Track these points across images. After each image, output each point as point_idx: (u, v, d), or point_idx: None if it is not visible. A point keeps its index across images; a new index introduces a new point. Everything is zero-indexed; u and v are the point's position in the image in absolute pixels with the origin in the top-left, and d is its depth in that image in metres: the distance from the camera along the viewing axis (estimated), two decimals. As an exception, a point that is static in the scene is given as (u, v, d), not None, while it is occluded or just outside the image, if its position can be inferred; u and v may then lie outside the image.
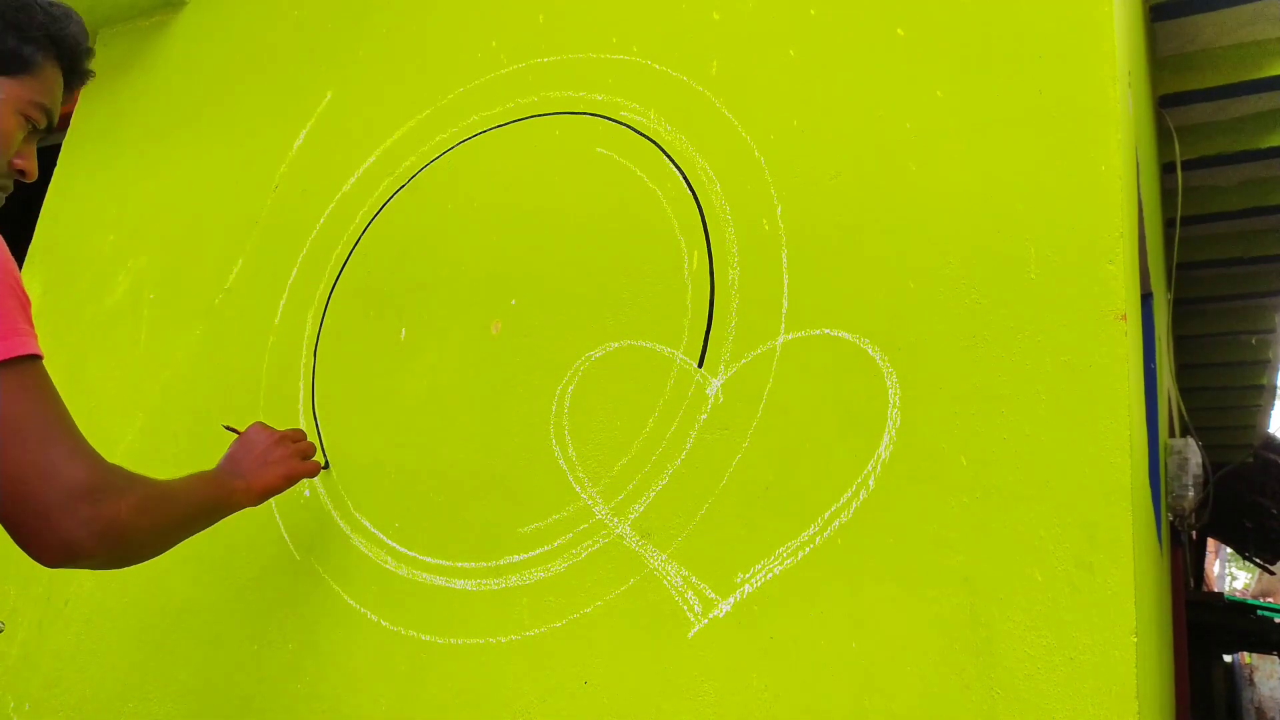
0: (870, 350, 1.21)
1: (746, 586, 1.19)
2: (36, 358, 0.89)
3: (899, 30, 1.31)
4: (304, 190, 1.81)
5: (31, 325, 0.91)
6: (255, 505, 1.26)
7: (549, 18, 1.63)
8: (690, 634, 1.20)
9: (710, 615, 1.20)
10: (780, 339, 1.27)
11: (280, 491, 1.31)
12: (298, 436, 1.36)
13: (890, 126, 1.27)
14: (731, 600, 1.20)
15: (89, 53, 1.10)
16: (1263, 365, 4.68)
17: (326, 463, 1.54)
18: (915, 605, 1.10)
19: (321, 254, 1.74)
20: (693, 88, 1.44)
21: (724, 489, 1.24)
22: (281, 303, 1.74)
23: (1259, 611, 6.10)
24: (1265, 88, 2.78)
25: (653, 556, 1.26)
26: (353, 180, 1.75)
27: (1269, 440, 5.84)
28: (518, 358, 1.45)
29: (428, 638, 1.38)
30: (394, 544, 1.46)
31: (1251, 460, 5.74)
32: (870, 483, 1.16)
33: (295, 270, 1.75)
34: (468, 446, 1.45)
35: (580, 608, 1.28)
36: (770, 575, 1.18)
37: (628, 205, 1.44)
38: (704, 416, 1.29)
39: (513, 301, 1.49)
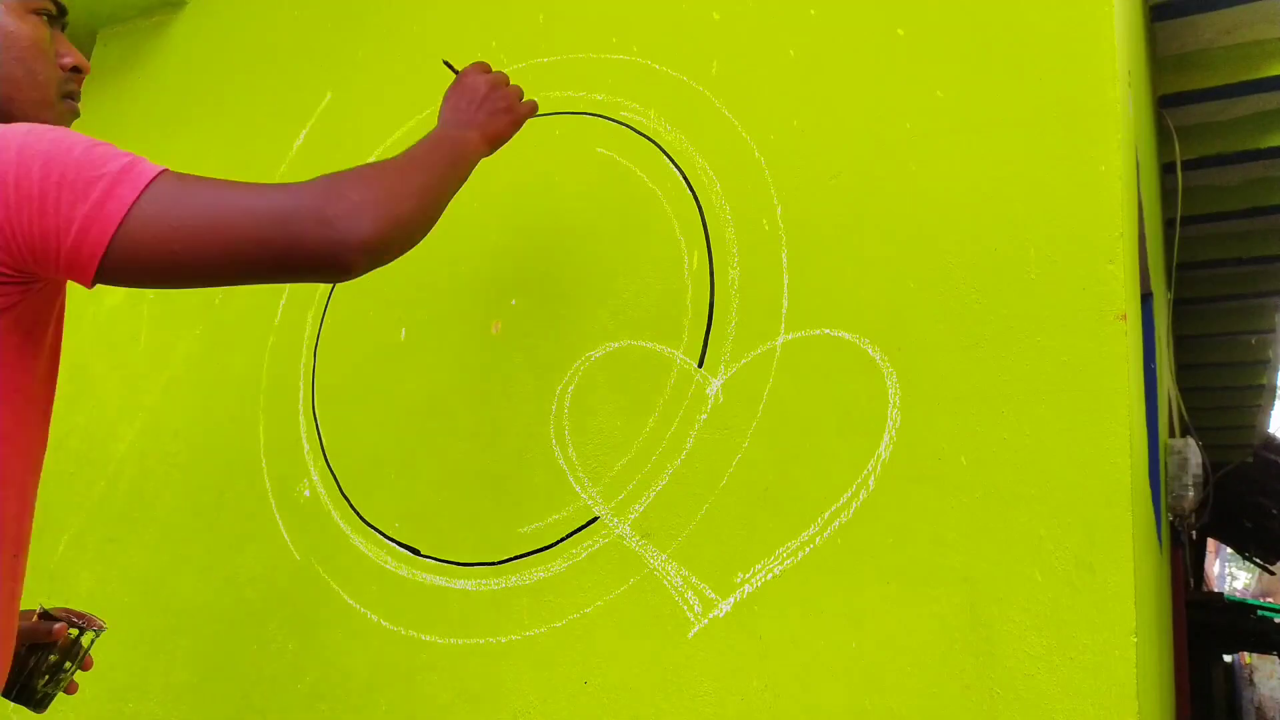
0: (870, 350, 1.21)
1: (746, 587, 1.19)
2: (165, 170, 0.88)
3: (899, 30, 1.31)
4: (304, 190, 1.81)
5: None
6: (488, 155, 1.20)
7: (549, 18, 1.63)
8: (690, 634, 1.20)
9: (710, 615, 1.20)
10: (780, 339, 1.27)
11: (509, 138, 1.23)
12: (507, 79, 1.26)
13: (890, 126, 1.27)
14: (731, 600, 1.20)
15: None
16: (1263, 365, 4.68)
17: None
18: (915, 605, 1.10)
19: (321, 254, 1.73)
20: (693, 88, 1.44)
21: (724, 489, 1.24)
22: (281, 303, 1.74)
23: (1259, 611, 6.10)
24: (1265, 88, 2.78)
25: (653, 556, 1.26)
26: (353, 180, 1.75)
27: (1269, 440, 5.84)
28: (518, 358, 1.45)
29: (428, 638, 1.38)
30: (394, 544, 1.46)
31: (1251, 460, 5.74)
32: (870, 483, 1.16)
33: (295, 270, 1.75)
34: (468, 446, 1.45)
35: (580, 608, 1.28)
36: (770, 575, 1.18)
37: (628, 205, 1.44)
38: (704, 416, 1.29)
39: (513, 301, 1.49)
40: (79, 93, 1.04)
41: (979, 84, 1.23)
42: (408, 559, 1.44)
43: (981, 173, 1.20)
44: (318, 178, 0.92)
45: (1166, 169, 3.04)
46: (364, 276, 1.73)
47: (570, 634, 1.28)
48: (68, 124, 1.00)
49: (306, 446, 1.61)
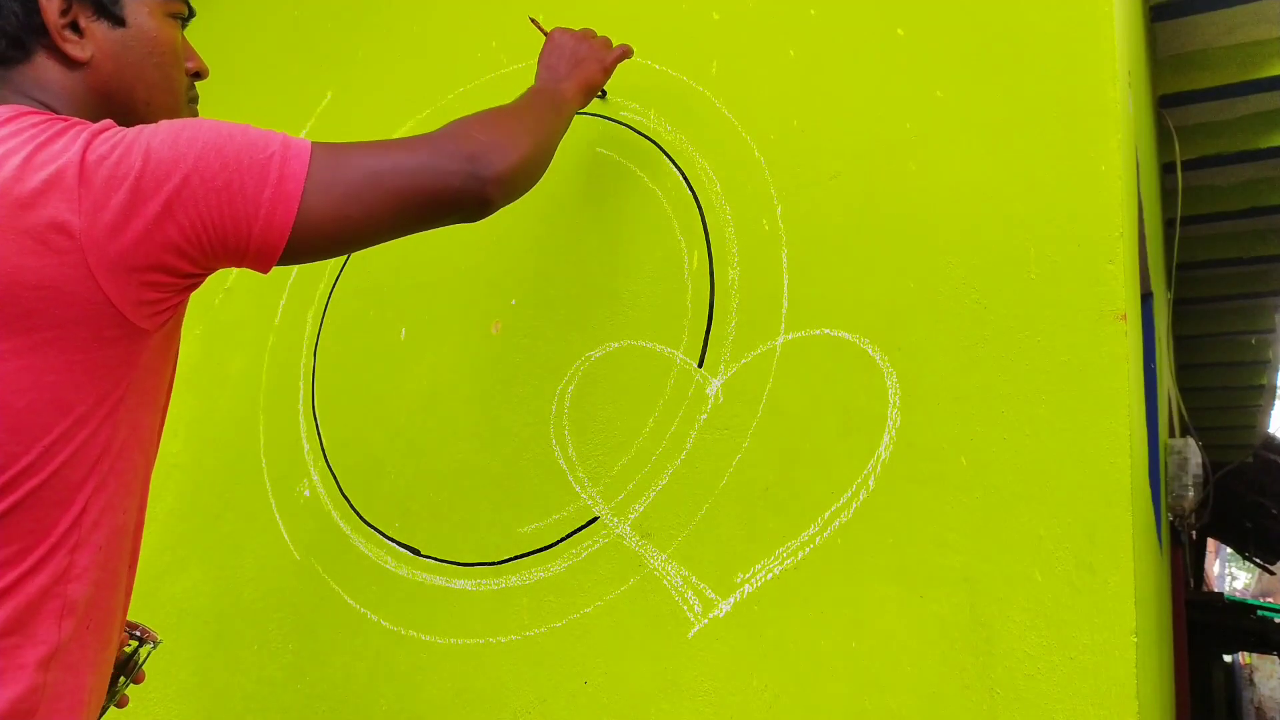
0: (870, 350, 1.21)
1: (746, 586, 1.19)
2: (314, 143, 0.89)
3: (899, 30, 1.31)
4: (304, 190, 1.81)
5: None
6: (584, 105, 1.27)
7: (549, 18, 1.63)
8: (690, 634, 1.21)
9: (710, 615, 1.20)
10: (780, 339, 1.27)
11: (601, 85, 1.31)
12: (593, 33, 1.35)
13: (890, 126, 1.27)
14: (731, 600, 1.20)
15: None
16: (1263, 365, 4.68)
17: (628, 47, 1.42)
18: (915, 605, 1.10)
19: (321, 254, 1.73)
20: (693, 88, 1.44)
21: (724, 489, 1.24)
22: (281, 303, 1.74)
23: (1259, 611, 6.11)
24: (1265, 88, 2.78)
25: (653, 556, 1.26)
26: (353, 180, 1.75)
27: (1269, 440, 5.84)
28: (518, 358, 1.45)
29: (428, 638, 1.38)
30: (394, 544, 1.46)
31: (1251, 460, 5.74)
32: (870, 483, 1.16)
33: (295, 270, 1.75)
34: (468, 446, 1.45)
35: (580, 608, 1.28)
36: (770, 575, 1.18)
37: (628, 205, 1.44)
38: (704, 416, 1.29)
39: (513, 301, 1.49)
40: (198, 97, 1.05)
41: (979, 84, 1.23)
42: (408, 559, 1.44)
43: (981, 173, 1.20)
44: (442, 127, 0.98)
45: (1166, 169, 3.05)
46: (364, 276, 1.74)
47: (570, 634, 1.28)
48: None
49: (306, 446, 1.61)
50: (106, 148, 0.79)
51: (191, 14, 1.03)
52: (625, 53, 1.36)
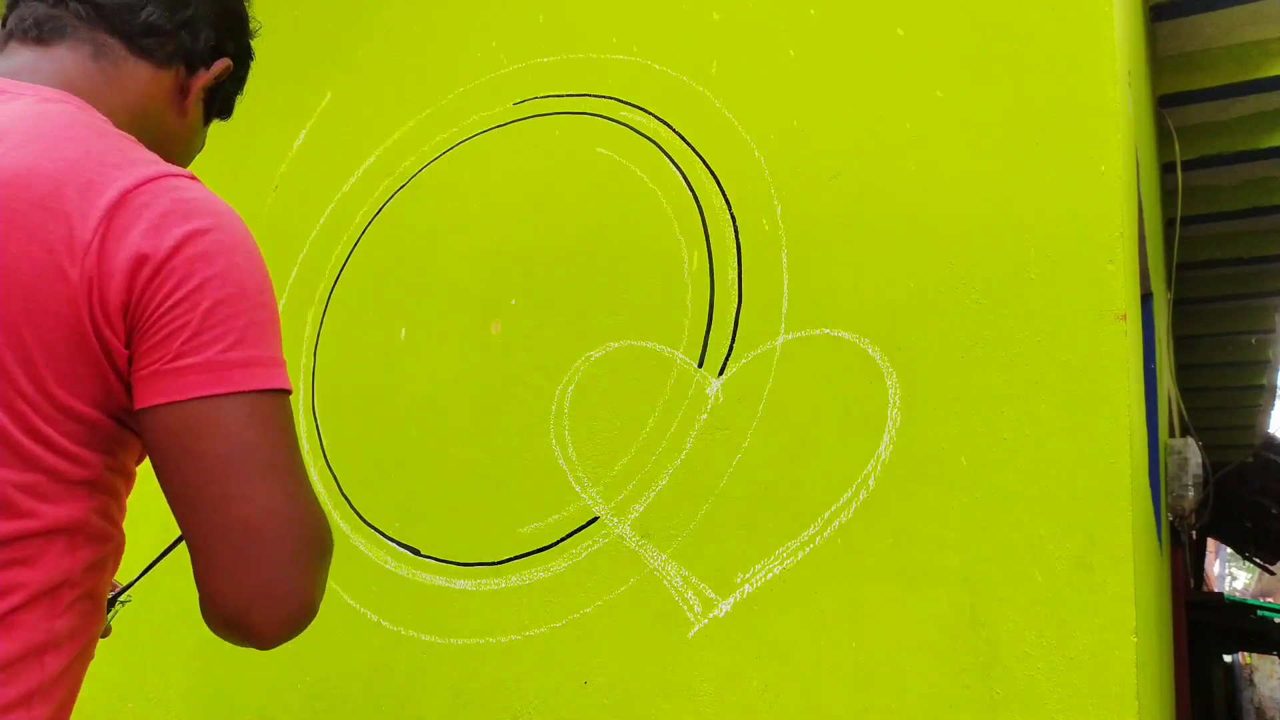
0: (870, 350, 1.21)
1: (746, 586, 1.19)
2: (288, 392, 0.79)
3: (899, 30, 1.31)
4: (304, 190, 1.81)
5: (281, 350, 0.81)
6: None
7: (549, 18, 1.63)
8: (690, 634, 1.20)
9: (710, 615, 1.20)
10: (780, 339, 1.27)
11: None
12: None
13: (890, 126, 1.27)
14: (731, 600, 1.20)
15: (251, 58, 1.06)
16: (1263, 365, 4.68)
17: None
18: (915, 605, 1.10)
19: (321, 254, 1.74)
20: (693, 88, 1.44)
21: (724, 489, 1.24)
22: (281, 303, 1.74)
23: (1259, 611, 6.11)
24: (1265, 88, 2.78)
25: (653, 556, 1.26)
26: (353, 180, 1.75)
27: (1269, 440, 5.84)
28: (518, 358, 1.45)
29: (428, 638, 1.38)
30: (394, 544, 1.46)
31: (1251, 460, 5.74)
32: (870, 483, 1.16)
33: (295, 270, 1.75)
34: (468, 446, 1.45)
35: (580, 608, 1.28)
36: (770, 575, 1.18)
37: (628, 205, 1.44)
38: (704, 416, 1.29)
39: (513, 301, 1.49)
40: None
41: (979, 84, 1.23)
42: (408, 559, 1.44)
43: (981, 173, 1.20)
44: (324, 536, 0.77)
45: (1166, 169, 3.04)
46: (364, 276, 1.73)
47: (570, 634, 1.28)
48: None
49: (306, 446, 1.61)
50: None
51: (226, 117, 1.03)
52: None
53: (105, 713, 1.62)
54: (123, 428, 0.75)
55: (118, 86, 0.87)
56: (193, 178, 0.79)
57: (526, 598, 1.32)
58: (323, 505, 0.83)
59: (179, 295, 0.72)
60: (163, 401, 0.71)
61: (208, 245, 0.74)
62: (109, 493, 0.77)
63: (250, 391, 0.73)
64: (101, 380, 0.72)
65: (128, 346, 0.72)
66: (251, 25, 1.00)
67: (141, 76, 0.88)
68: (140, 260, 0.70)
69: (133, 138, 0.80)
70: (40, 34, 0.85)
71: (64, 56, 0.84)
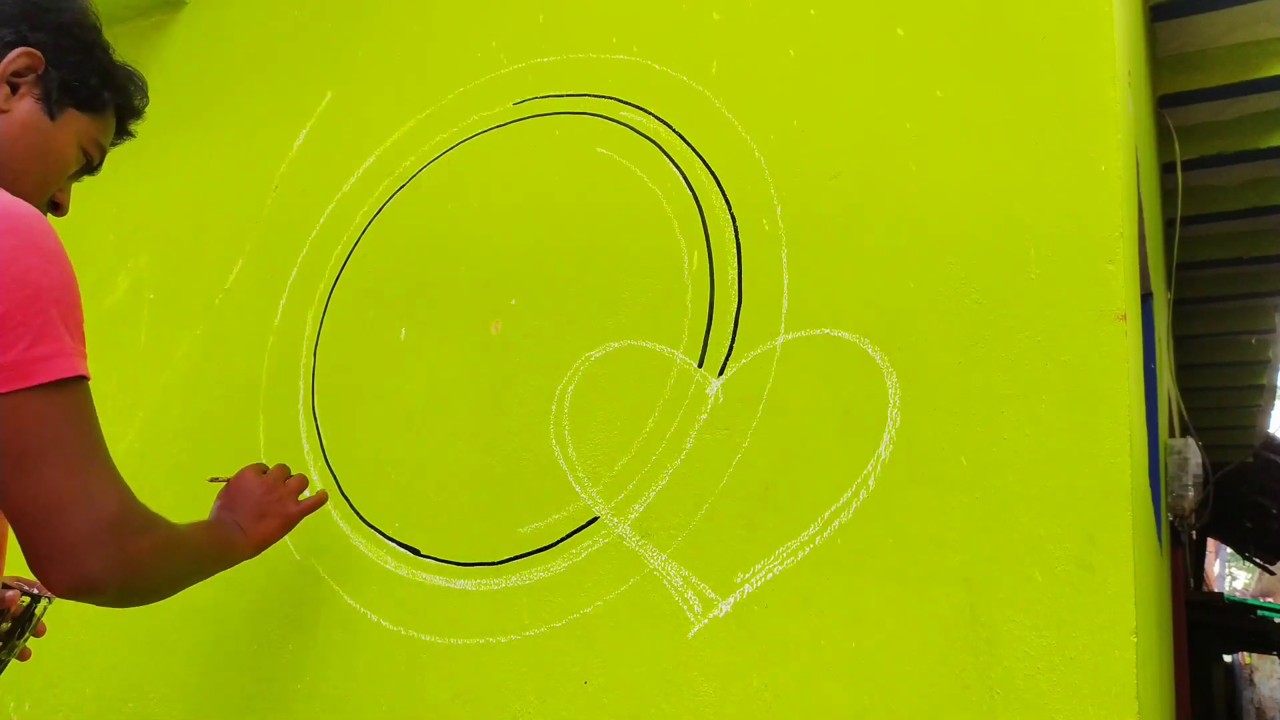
0: (870, 350, 1.21)
1: (746, 586, 1.19)
2: (83, 379, 0.88)
3: (899, 30, 1.31)
4: (304, 190, 1.81)
5: (82, 341, 0.90)
6: (253, 558, 1.21)
7: (549, 18, 1.63)
8: (690, 634, 1.20)
9: (710, 615, 1.20)
10: (780, 339, 1.27)
11: (278, 540, 1.24)
12: (285, 475, 1.29)
13: (890, 126, 1.27)
14: (731, 600, 1.20)
15: (139, 116, 1.16)
16: (1263, 365, 4.68)
17: (323, 494, 1.38)
18: (915, 605, 1.10)
19: (321, 254, 1.74)
20: (693, 88, 1.44)
21: (724, 489, 1.24)
22: (281, 303, 1.74)
23: (1259, 611, 6.11)
24: (1265, 88, 2.78)
25: (653, 556, 1.26)
26: (353, 180, 1.75)
27: (1269, 440, 5.84)
28: (518, 358, 1.45)
29: (428, 638, 1.38)
30: (394, 544, 1.46)
31: (1251, 460, 5.74)
32: (870, 483, 1.16)
33: (295, 270, 1.75)
34: (468, 446, 1.45)
35: (580, 608, 1.28)
36: (770, 575, 1.18)
37: (628, 205, 1.44)
38: (704, 416, 1.29)
39: (513, 301, 1.49)
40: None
41: (979, 84, 1.23)
42: (408, 559, 1.44)
43: (981, 173, 1.20)
44: (145, 509, 0.91)
45: (1166, 169, 3.04)
46: (364, 276, 1.74)
47: (570, 634, 1.28)
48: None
49: (306, 446, 1.61)
50: None
51: (93, 170, 1.10)
52: (315, 504, 1.30)
53: (105, 713, 1.62)
54: None
55: None
56: None
57: (526, 598, 1.32)
58: (127, 483, 0.91)
59: None
60: None
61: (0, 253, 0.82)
62: None
63: (48, 383, 0.84)
64: None
65: None
66: (66, 4, 1.02)
67: None
68: None
69: None
70: None
71: None
